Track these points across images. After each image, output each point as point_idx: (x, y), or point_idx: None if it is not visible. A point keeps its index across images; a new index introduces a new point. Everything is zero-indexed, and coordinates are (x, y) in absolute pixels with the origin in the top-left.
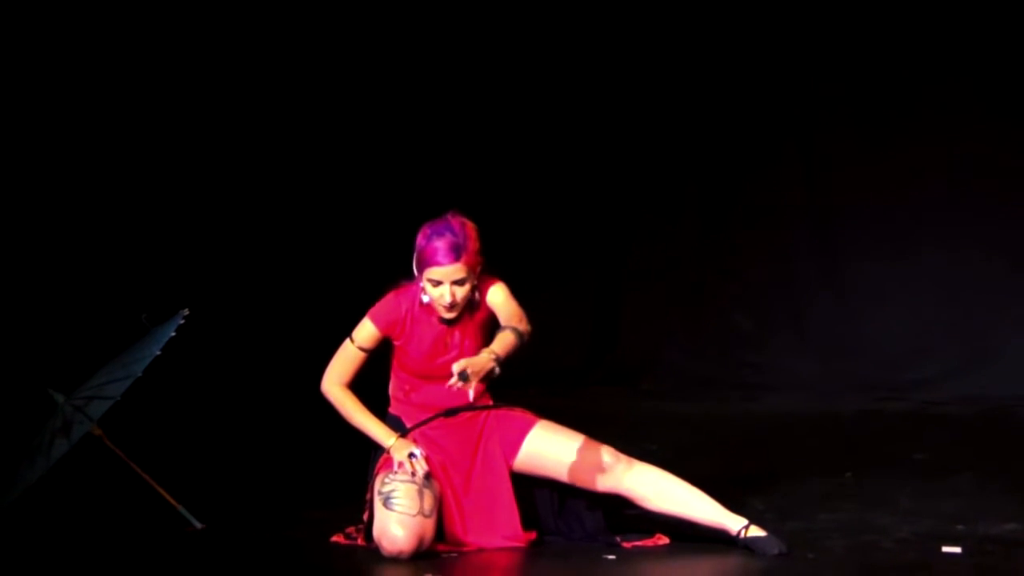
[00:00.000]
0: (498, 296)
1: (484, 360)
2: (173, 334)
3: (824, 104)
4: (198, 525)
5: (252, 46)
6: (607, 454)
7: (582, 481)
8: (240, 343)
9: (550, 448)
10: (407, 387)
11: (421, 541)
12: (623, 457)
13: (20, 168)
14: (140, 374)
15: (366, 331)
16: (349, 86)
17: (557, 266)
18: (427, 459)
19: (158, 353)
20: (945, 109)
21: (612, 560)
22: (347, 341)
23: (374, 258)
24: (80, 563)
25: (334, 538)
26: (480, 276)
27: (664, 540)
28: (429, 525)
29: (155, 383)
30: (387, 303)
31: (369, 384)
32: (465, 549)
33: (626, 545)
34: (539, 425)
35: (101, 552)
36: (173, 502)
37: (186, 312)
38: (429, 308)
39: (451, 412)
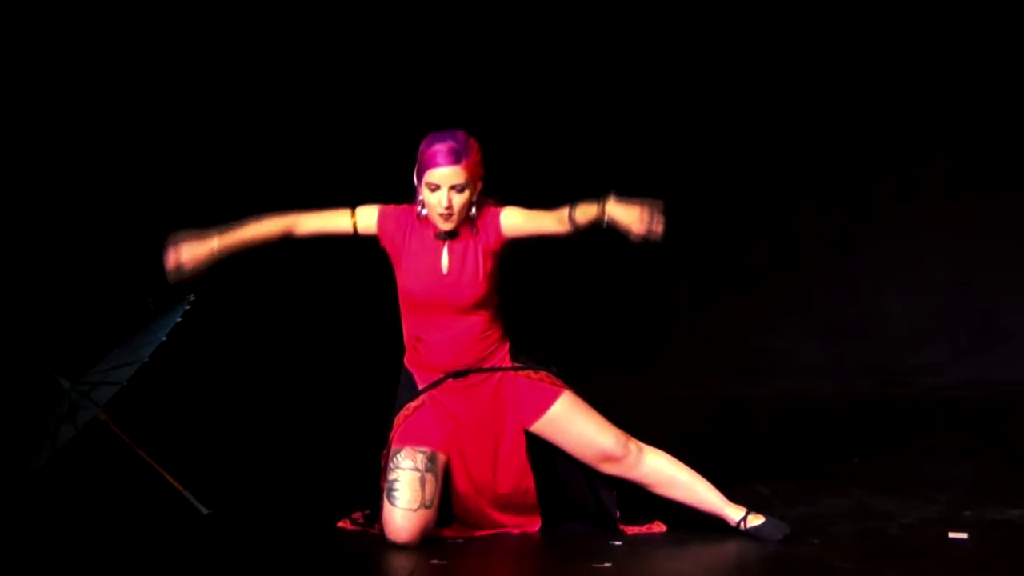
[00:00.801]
0: (515, 215)
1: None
2: (179, 320)
3: (832, 95)
4: (204, 511)
5: (264, 41)
6: (621, 438)
7: (593, 460)
8: (246, 328)
9: (570, 423)
10: (415, 333)
11: (424, 531)
12: (635, 442)
13: (27, 155)
14: (146, 360)
15: (368, 212)
16: (368, 85)
17: (565, 253)
18: (436, 431)
19: (164, 339)
20: (951, 98)
21: (619, 546)
22: (347, 208)
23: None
24: (86, 548)
25: (340, 523)
26: (484, 201)
27: (662, 527)
28: (431, 515)
29: (161, 369)
30: (394, 208)
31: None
32: (473, 534)
33: (627, 530)
34: (565, 395)
35: (107, 537)
36: (179, 487)
37: (192, 298)
38: (427, 223)
39: (460, 374)
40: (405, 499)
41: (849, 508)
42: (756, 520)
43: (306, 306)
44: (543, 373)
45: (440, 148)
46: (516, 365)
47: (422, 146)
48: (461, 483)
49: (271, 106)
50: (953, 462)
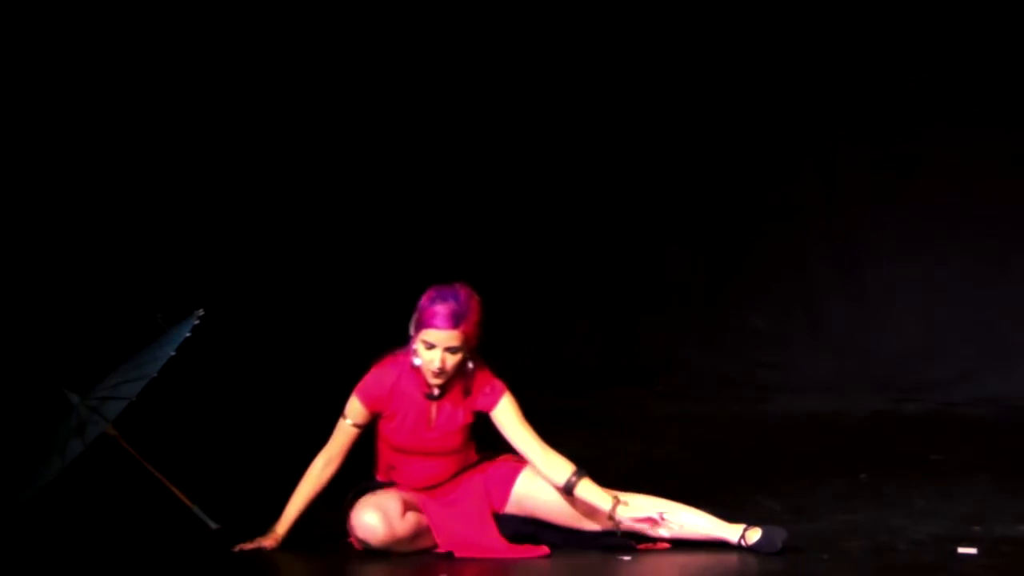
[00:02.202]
0: (508, 413)
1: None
2: (188, 334)
3: (840, 107)
4: (213, 525)
5: (277, 45)
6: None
7: (577, 523)
8: (255, 343)
9: (538, 494)
10: (390, 462)
11: (393, 529)
12: (611, 492)
13: (34, 169)
14: (155, 374)
15: (354, 407)
16: (392, 95)
17: (574, 267)
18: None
19: (173, 354)
20: (961, 111)
21: (628, 561)
22: (341, 418)
23: (392, 259)
24: (94, 564)
25: (350, 538)
26: (478, 359)
27: (665, 544)
28: (399, 522)
29: (170, 384)
30: (372, 378)
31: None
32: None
33: (637, 546)
34: (526, 471)
35: (115, 552)
36: (188, 502)
37: (201, 312)
38: (416, 378)
39: (432, 487)
40: (371, 502)
41: (858, 524)
42: (754, 534)
43: (315, 320)
44: (503, 455)
45: (440, 310)
46: (479, 457)
47: (423, 301)
48: (445, 528)
49: (288, 119)
50: (962, 478)
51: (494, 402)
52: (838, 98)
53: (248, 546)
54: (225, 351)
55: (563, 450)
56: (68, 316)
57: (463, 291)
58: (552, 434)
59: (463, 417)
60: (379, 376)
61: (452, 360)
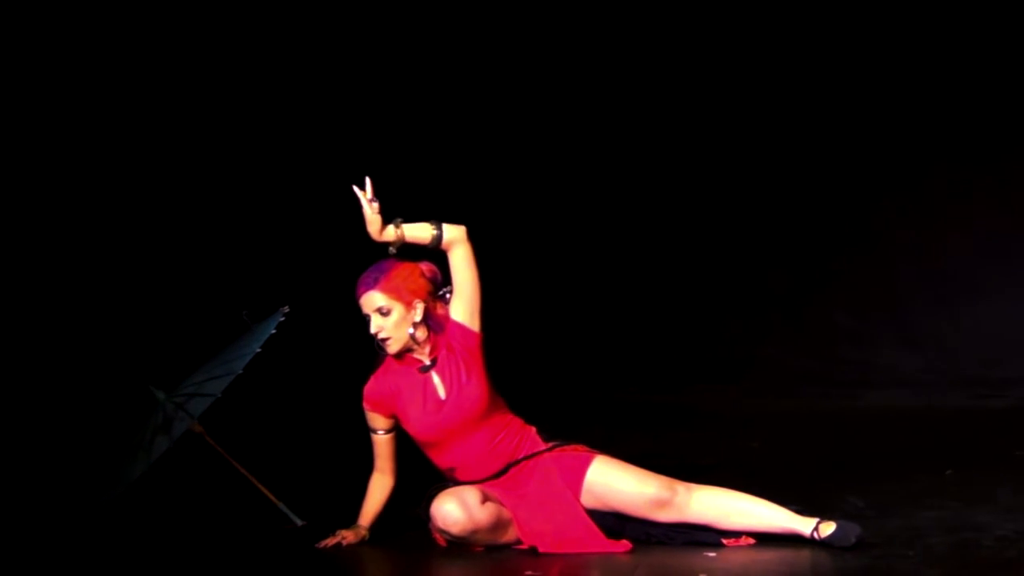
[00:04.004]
0: (455, 302)
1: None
2: (274, 331)
3: (929, 111)
4: (299, 522)
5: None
6: (667, 486)
7: (645, 511)
8: (341, 339)
9: (611, 483)
10: (445, 466)
11: (475, 515)
12: (682, 485)
13: (125, 168)
14: (241, 371)
15: (370, 417)
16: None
17: (660, 266)
18: (482, 489)
19: (259, 350)
20: None
21: (713, 556)
22: (370, 433)
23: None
24: (180, 560)
25: (433, 533)
26: (436, 315)
27: (750, 539)
28: (479, 510)
29: (256, 380)
30: (369, 386)
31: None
32: (565, 550)
33: (724, 541)
34: (598, 460)
35: (201, 549)
36: (274, 499)
37: (286, 309)
38: (404, 364)
39: (500, 473)
40: (450, 492)
41: (943, 520)
42: (828, 528)
43: None
44: (575, 444)
45: (359, 280)
46: (549, 446)
47: None
48: (530, 522)
49: (365, 124)
50: None
51: (454, 323)
52: (917, 102)
53: (331, 542)
54: (311, 347)
55: (646, 445)
56: (155, 313)
57: (386, 260)
58: (636, 430)
59: (466, 369)
60: (375, 380)
61: (387, 322)
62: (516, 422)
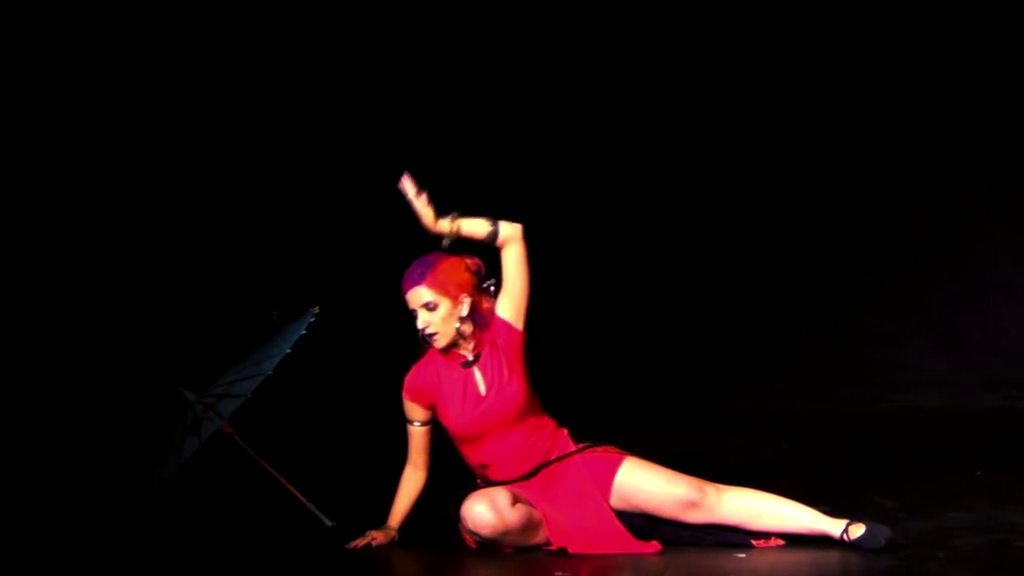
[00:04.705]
0: (503, 301)
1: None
2: (304, 332)
3: (961, 120)
4: (329, 523)
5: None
6: (696, 487)
7: (675, 512)
8: (371, 340)
9: (641, 484)
10: (477, 462)
11: (506, 516)
12: (711, 486)
13: (154, 168)
14: (271, 372)
15: (409, 407)
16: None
17: (693, 270)
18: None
19: (288, 351)
20: None
21: (743, 558)
22: (407, 424)
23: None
24: (211, 561)
25: (464, 535)
26: (484, 310)
27: (780, 541)
28: (510, 511)
29: (286, 381)
30: (411, 375)
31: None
32: (594, 551)
33: (754, 543)
34: (627, 461)
35: (231, 550)
36: (304, 500)
37: (317, 310)
38: (449, 358)
39: (531, 473)
40: (480, 493)
41: (973, 521)
42: (858, 530)
43: None
44: (605, 446)
45: (405, 275)
46: (580, 447)
47: None
48: (560, 523)
49: (404, 123)
50: None
51: (501, 321)
52: (947, 102)
53: (361, 542)
54: (341, 348)
55: (678, 447)
56: (184, 314)
57: (432, 254)
58: (668, 431)
59: (509, 368)
60: (416, 370)
61: (434, 317)
62: (550, 424)
